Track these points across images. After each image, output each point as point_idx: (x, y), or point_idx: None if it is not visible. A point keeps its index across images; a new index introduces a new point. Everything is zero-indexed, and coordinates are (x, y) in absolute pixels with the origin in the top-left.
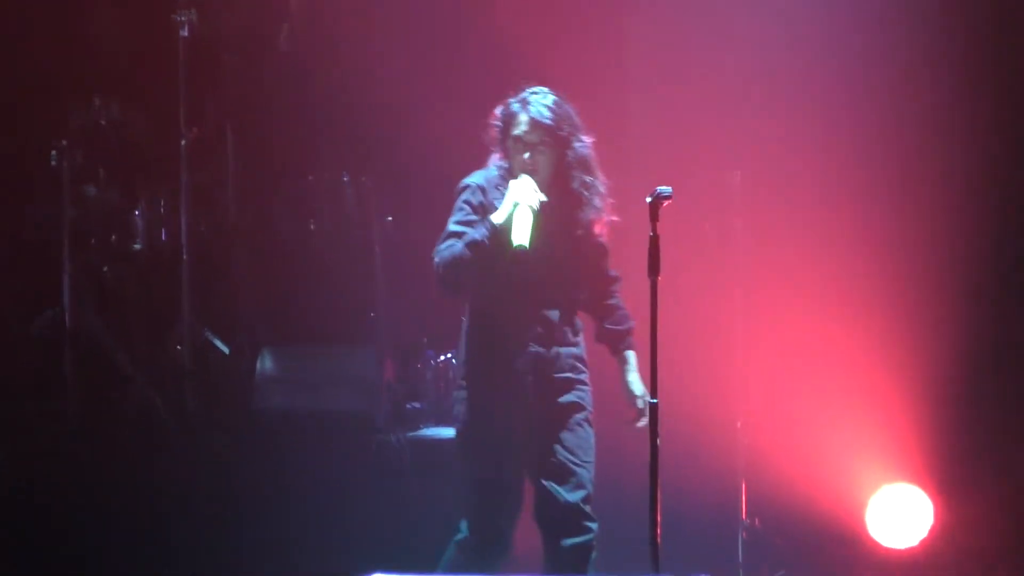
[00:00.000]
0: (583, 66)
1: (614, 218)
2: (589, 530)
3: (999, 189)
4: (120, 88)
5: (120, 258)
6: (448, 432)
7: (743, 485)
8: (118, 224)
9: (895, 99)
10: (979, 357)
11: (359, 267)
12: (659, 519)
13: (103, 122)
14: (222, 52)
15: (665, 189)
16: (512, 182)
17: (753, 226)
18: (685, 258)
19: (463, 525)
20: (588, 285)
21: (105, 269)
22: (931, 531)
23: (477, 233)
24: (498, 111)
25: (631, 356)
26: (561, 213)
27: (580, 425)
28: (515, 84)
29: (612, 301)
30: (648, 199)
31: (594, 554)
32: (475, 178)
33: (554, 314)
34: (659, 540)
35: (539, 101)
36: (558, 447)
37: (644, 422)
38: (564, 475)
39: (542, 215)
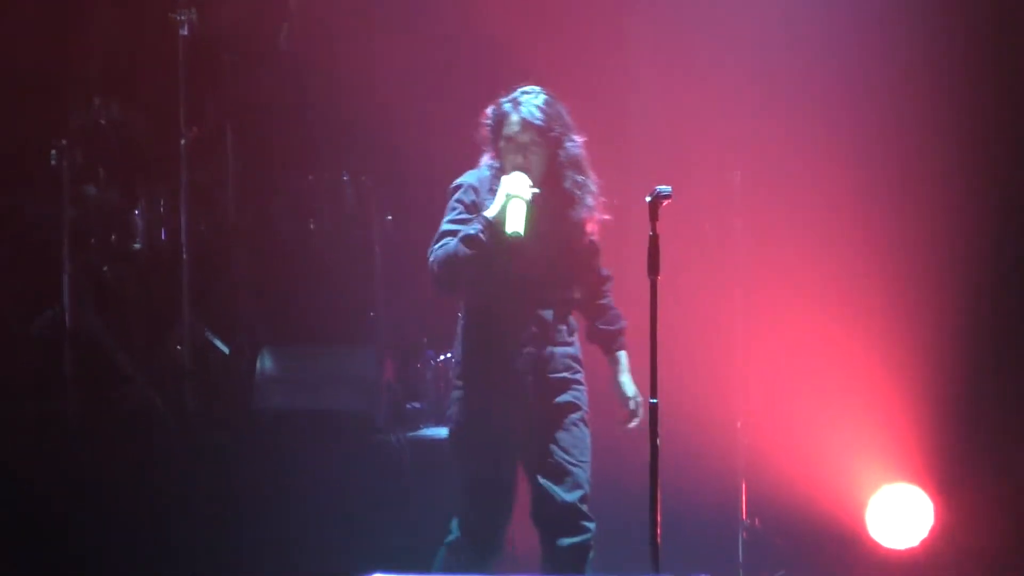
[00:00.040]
0: (583, 66)
1: (606, 217)
2: (587, 530)
3: (999, 189)
4: (120, 88)
5: (120, 258)
6: None
7: (743, 485)
8: (118, 224)
9: (895, 99)
10: (979, 357)
11: (359, 267)
12: (659, 519)
13: (103, 122)
14: (222, 52)
15: (665, 188)
16: (504, 177)
17: (753, 226)
18: (685, 258)
19: (453, 525)
20: (581, 284)
21: (105, 269)
22: (931, 531)
23: (472, 228)
24: (489, 111)
25: (623, 356)
26: (553, 212)
27: (576, 425)
28: (516, 84)
29: (604, 301)
30: (648, 199)
31: (592, 554)
32: (467, 178)
33: (548, 314)
34: (659, 540)
35: (530, 101)
36: (554, 447)
37: (636, 422)
38: (560, 475)
39: (535, 211)
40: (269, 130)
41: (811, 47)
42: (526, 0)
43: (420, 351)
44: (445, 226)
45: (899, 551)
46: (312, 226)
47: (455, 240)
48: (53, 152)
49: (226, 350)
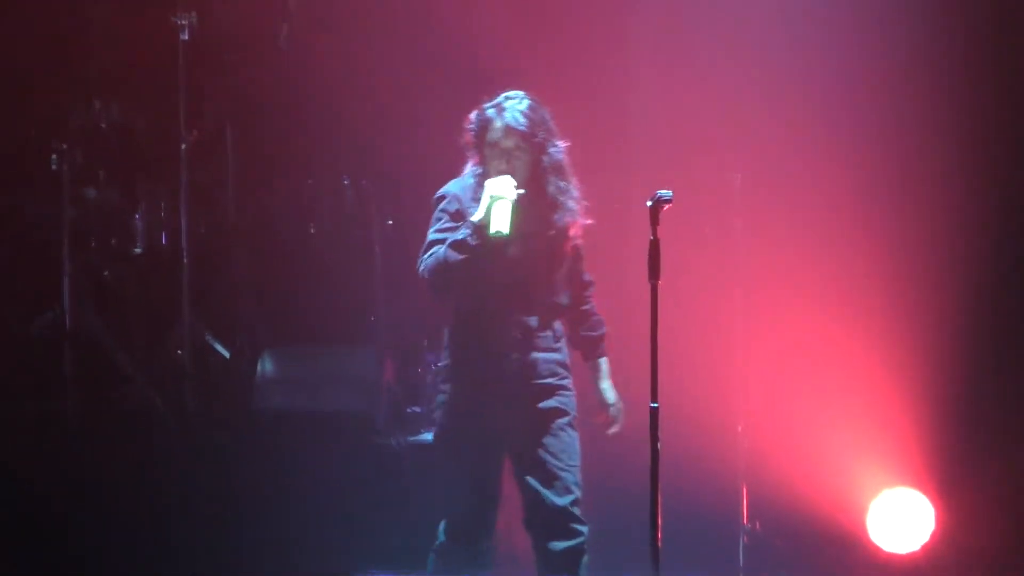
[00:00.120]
0: (583, 66)
1: (589, 222)
2: (579, 533)
3: (999, 189)
4: (120, 90)
5: (120, 259)
6: None
7: (744, 488)
8: (118, 226)
9: (895, 99)
10: (980, 358)
11: (359, 268)
12: (660, 522)
13: (103, 124)
14: (222, 53)
15: (666, 193)
16: (488, 180)
17: (753, 226)
18: (685, 259)
19: (440, 530)
20: (565, 290)
21: (106, 274)
22: (932, 535)
23: (460, 233)
24: (473, 116)
25: (604, 363)
26: (536, 217)
27: (563, 430)
28: (516, 85)
29: (587, 307)
30: (649, 203)
31: (586, 557)
32: (450, 187)
33: (533, 320)
34: (660, 543)
35: (514, 107)
36: (542, 452)
37: (616, 428)
38: (550, 480)
39: (518, 217)
40: (269, 132)
41: (811, 47)
42: (526, 1)
43: (420, 353)
44: (432, 236)
45: (900, 555)
46: (312, 229)
47: (444, 247)
48: (54, 156)
49: (227, 354)
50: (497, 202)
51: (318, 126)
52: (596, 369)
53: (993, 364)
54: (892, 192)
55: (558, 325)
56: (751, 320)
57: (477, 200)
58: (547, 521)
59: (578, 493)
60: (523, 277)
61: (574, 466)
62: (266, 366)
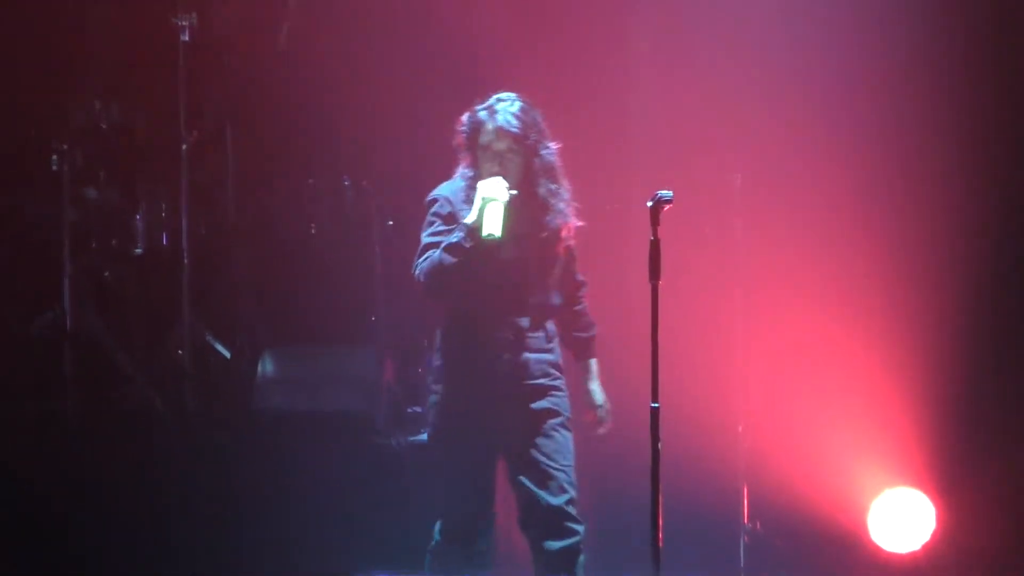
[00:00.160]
0: (583, 66)
1: (580, 223)
2: (575, 532)
3: (999, 189)
4: (121, 90)
5: (121, 259)
6: None
7: (744, 488)
8: (118, 226)
9: (895, 99)
10: (980, 357)
11: (359, 268)
12: (660, 522)
13: (104, 124)
14: (222, 54)
15: (666, 193)
16: (480, 182)
17: (753, 227)
18: (685, 259)
19: (435, 531)
20: (557, 291)
21: (107, 274)
22: (933, 535)
23: (454, 236)
24: (464, 118)
25: (594, 364)
26: (528, 219)
27: (556, 430)
28: (516, 86)
29: (579, 307)
30: (649, 203)
31: (582, 556)
32: (441, 190)
33: (524, 321)
34: (660, 543)
35: (506, 109)
36: (535, 453)
37: (604, 430)
38: (544, 480)
39: (510, 219)
40: (269, 132)
41: (811, 47)
42: (526, 1)
43: (420, 353)
44: (426, 239)
45: (901, 555)
46: (313, 229)
47: (439, 251)
48: (54, 156)
49: (227, 354)
50: (489, 204)
51: (318, 126)
52: (586, 370)
53: (993, 363)
54: (892, 192)
55: (551, 326)
56: (751, 320)
57: (469, 202)
58: (543, 521)
59: (573, 492)
60: (515, 278)
61: (568, 466)
62: (266, 366)
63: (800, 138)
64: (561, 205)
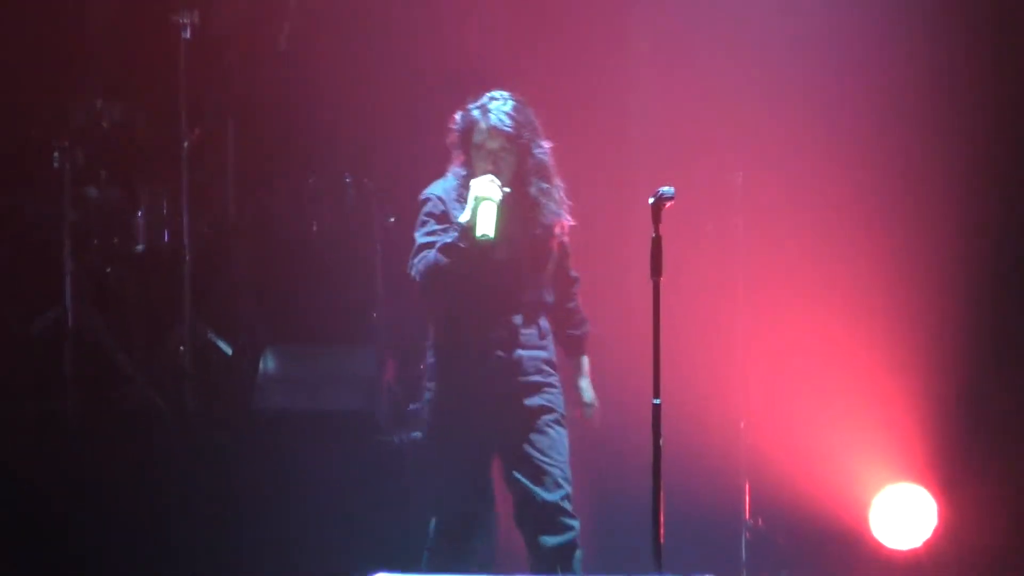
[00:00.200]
0: (583, 66)
1: (572, 222)
2: (571, 528)
3: (999, 189)
4: (121, 89)
5: (122, 258)
6: None
7: (746, 485)
8: (119, 225)
9: (895, 99)
10: (981, 356)
11: (360, 267)
12: (662, 519)
13: (104, 124)
14: (223, 53)
15: (668, 190)
16: (473, 180)
17: (754, 226)
18: (686, 258)
19: (432, 529)
20: (550, 288)
21: (108, 271)
22: (935, 531)
23: (448, 237)
24: (457, 117)
25: (585, 361)
26: (521, 217)
27: (550, 427)
28: (516, 85)
29: (571, 304)
30: (650, 200)
31: (579, 552)
32: (433, 189)
33: (517, 318)
34: (662, 540)
35: (499, 108)
36: (530, 449)
37: (594, 422)
38: (539, 476)
39: (503, 217)
40: (270, 131)
41: (811, 47)
42: (526, 1)
43: (420, 352)
44: (420, 239)
45: (903, 551)
46: (314, 227)
47: (433, 251)
48: (55, 155)
49: (229, 351)
50: (483, 203)
51: (319, 125)
52: (577, 367)
53: (994, 361)
54: (892, 192)
55: (544, 322)
56: (753, 317)
57: (461, 200)
58: (538, 517)
59: (568, 488)
60: (509, 277)
61: (563, 462)
62: (267, 365)
63: (800, 137)
64: (554, 204)
